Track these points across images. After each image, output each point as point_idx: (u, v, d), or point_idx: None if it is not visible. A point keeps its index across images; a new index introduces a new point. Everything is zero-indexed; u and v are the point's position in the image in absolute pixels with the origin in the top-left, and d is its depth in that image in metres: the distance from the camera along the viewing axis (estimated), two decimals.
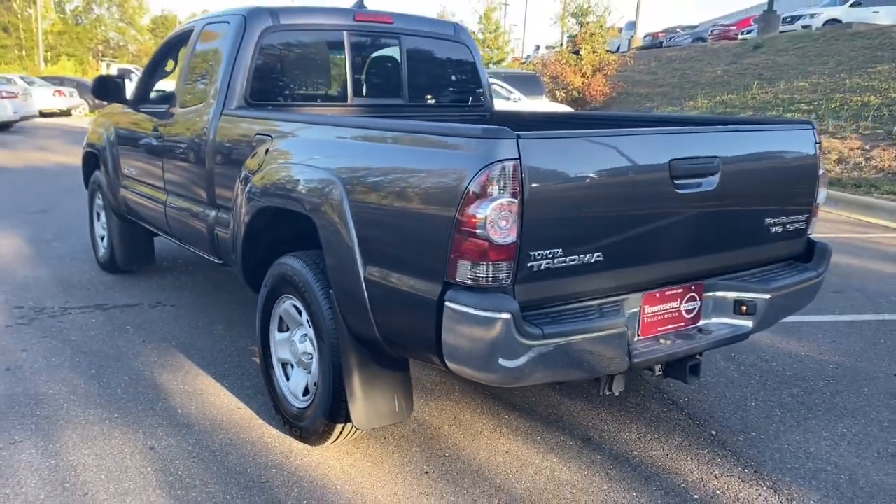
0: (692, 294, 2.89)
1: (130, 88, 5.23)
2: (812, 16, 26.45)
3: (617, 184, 2.54)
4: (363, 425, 2.92)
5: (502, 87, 19.92)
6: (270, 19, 3.94)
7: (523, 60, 44.86)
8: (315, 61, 4.30)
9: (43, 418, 3.41)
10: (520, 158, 2.26)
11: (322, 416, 3.03)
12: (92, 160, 5.87)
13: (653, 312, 2.78)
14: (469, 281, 2.32)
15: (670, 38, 35.08)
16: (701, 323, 2.95)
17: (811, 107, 15.60)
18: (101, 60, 62.96)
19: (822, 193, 3.24)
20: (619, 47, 38.16)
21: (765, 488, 2.99)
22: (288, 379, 3.34)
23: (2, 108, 19.64)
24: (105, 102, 5.43)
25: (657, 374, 2.99)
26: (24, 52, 67.79)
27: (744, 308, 2.94)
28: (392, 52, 4.48)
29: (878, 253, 7.46)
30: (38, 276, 5.77)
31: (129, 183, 5.15)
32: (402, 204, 2.55)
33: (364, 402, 2.87)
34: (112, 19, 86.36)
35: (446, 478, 3.02)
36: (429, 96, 4.67)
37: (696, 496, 2.93)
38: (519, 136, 2.28)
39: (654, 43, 35.65)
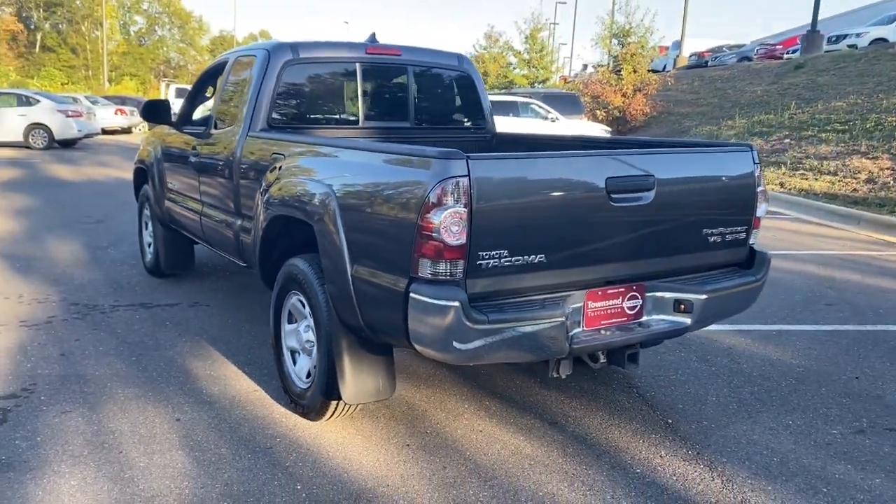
0: (634, 293, 3.34)
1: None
2: (858, 35, 26.30)
3: (557, 197, 3.02)
4: (351, 400, 3.44)
5: (540, 107, 20.42)
6: (290, 53, 4.53)
7: (570, 79, 45.22)
8: (330, 89, 4.87)
9: (89, 394, 4.01)
10: (469, 175, 2.77)
11: (319, 395, 3.56)
12: (141, 175, 6.56)
13: (596, 308, 3.24)
14: (429, 275, 2.82)
15: (716, 58, 35.08)
16: (643, 318, 3.39)
17: (846, 126, 15.70)
18: (162, 80, 65.50)
19: (762, 208, 3.66)
20: (665, 66, 38.33)
21: (702, 466, 3.41)
22: (295, 364, 3.88)
23: (67, 126, 20.91)
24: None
25: (602, 361, 3.45)
26: (90, 73, 70.90)
27: (682, 307, 3.39)
28: (400, 80, 5.03)
29: (882, 270, 7.70)
30: (93, 278, 6.46)
31: (173, 195, 5.80)
32: (379, 212, 3.08)
33: (352, 380, 3.39)
34: (173, 40, 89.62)
35: (424, 449, 3.50)
36: (433, 120, 5.20)
37: (638, 470, 3.36)
38: (469, 157, 2.78)
39: (700, 62, 35.71)
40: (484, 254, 2.85)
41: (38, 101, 21.13)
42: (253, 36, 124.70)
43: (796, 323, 5.68)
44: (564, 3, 59.24)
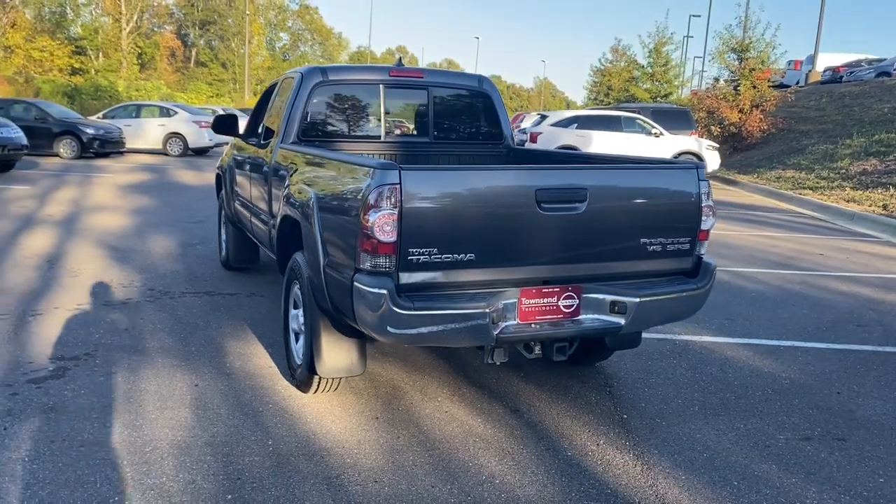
0: (570, 293, 3.72)
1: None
2: None
3: (485, 205, 3.45)
4: (324, 374, 4.00)
5: (645, 122, 20.37)
6: (321, 76, 5.20)
7: (700, 93, 44.17)
8: (356, 107, 5.50)
9: (134, 361, 4.79)
10: (400, 184, 3.28)
11: (306, 370, 4.16)
12: (219, 180, 7.46)
13: (531, 304, 3.65)
14: (369, 267, 3.35)
15: (851, 73, 33.30)
16: (580, 317, 3.76)
17: None
18: None
19: (709, 222, 3.93)
20: (797, 81, 36.74)
21: (630, 455, 3.72)
22: (297, 343, 4.50)
23: (199, 136, 22.93)
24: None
25: (536, 352, 3.83)
26: (236, 86, 75.98)
27: (616, 308, 3.73)
28: (421, 100, 5.59)
29: None
30: (175, 270, 7.41)
31: (237, 198, 6.62)
32: (339, 213, 3.64)
33: (325, 357, 3.96)
34: (314, 56, 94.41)
35: (390, 423, 4.02)
36: (452, 136, 5.72)
37: (569, 454, 3.72)
38: (401, 168, 3.30)
39: (834, 77, 33.99)
40: (414, 250, 3.34)
41: (176, 113, 23.33)
42: (390, 52, 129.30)
43: (811, 340, 5.74)
44: (699, 16, 57.66)
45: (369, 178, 3.36)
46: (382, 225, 3.27)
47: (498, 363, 3.80)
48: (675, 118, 22.09)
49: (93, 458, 3.49)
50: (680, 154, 19.78)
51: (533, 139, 20.66)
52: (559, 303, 3.70)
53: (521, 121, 29.54)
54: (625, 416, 4.20)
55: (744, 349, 5.44)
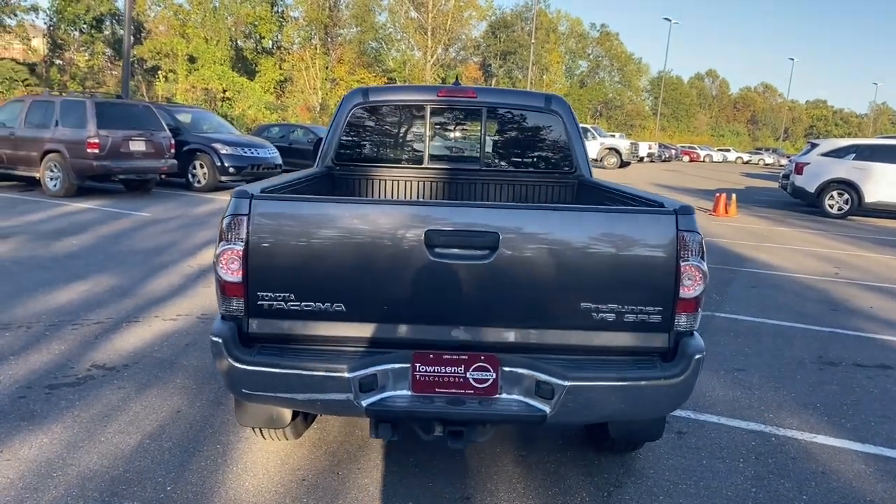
0: (482, 364, 2.94)
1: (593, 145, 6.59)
2: None
3: (359, 246, 2.86)
4: (242, 423, 3.63)
5: None
6: (361, 97, 4.88)
7: None
8: (397, 130, 5.06)
9: (160, 375, 4.86)
10: (249, 215, 2.84)
11: None
12: None
13: (428, 372, 2.95)
14: (223, 311, 2.96)
15: None
16: (499, 395, 2.96)
17: None
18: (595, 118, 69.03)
19: (695, 288, 2.88)
20: None
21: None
22: None
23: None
24: None
25: (437, 432, 3.07)
26: None
27: (541, 390, 2.88)
28: (472, 122, 4.98)
29: None
30: None
31: None
32: None
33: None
34: (612, 82, 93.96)
35: (311, 489, 3.55)
36: (508, 163, 5.01)
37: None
38: (252, 197, 2.86)
39: None
40: (265, 294, 2.87)
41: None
42: (699, 76, 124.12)
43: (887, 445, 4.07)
44: None
45: (228, 207, 2.97)
46: (228, 262, 2.86)
47: (385, 440, 3.14)
48: None
49: None
50: None
51: (798, 170, 18.21)
52: (468, 375, 2.96)
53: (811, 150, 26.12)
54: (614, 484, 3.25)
55: (862, 461, 4.01)
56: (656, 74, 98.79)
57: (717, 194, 17.59)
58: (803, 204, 19.07)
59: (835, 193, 17.72)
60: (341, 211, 2.88)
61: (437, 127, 5.03)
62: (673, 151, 61.30)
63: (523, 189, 4.98)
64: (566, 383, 2.83)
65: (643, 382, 2.88)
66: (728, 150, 77.54)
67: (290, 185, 3.79)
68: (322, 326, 2.92)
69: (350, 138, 4.95)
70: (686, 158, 64.22)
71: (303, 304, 2.88)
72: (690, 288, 2.88)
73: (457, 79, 5.09)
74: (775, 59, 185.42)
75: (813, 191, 17.88)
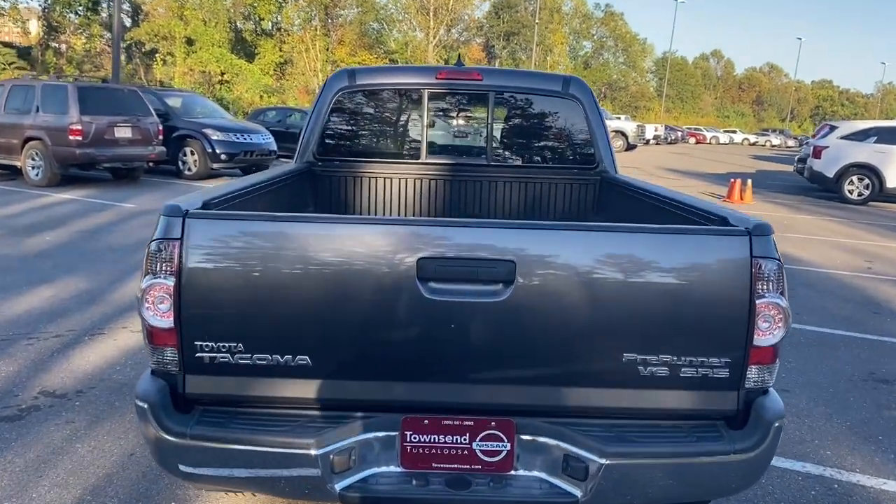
0: (493, 431, 2.25)
1: None
2: None
3: (328, 279, 2.16)
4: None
5: None
6: (346, 79, 4.15)
7: None
8: (390, 119, 4.35)
9: (116, 404, 4.19)
10: (182, 239, 2.14)
11: None
12: None
13: (422, 442, 2.26)
14: (153, 364, 2.27)
15: None
16: (515, 473, 2.27)
17: None
18: None
19: (774, 333, 2.17)
20: None
21: None
22: None
23: None
24: None
25: None
26: None
27: (570, 468, 2.19)
28: (477, 109, 4.26)
29: None
30: None
31: None
32: None
33: None
34: (616, 63, 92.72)
35: None
36: (519, 157, 4.30)
37: None
38: (187, 214, 2.15)
39: None
40: (206, 344, 2.18)
41: None
42: (704, 57, 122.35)
43: None
44: None
45: (155, 229, 2.26)
46: (155, 301, 2.16)
47: None
48: None
49: None
50: None
51: (816, 154, 17.42)
52: (475, 445, 2.27)
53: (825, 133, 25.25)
54: None
55: None
56: (661, 55, 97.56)
57: (732, 180, 16.84)
58: (820, 189, 18.30)
59: (855, 178, 16.94)
60: (306, 232, 2.17)
61: (437, 115, 4.31)
62: (679, 134, 60.38)
63: (537, 188, 4.27)
64: (603, 460, 2.13)
65: (705, 459, 2.18)
66: (734, 132, 76.42)
67: (256, 189, 3.08)
68: (282, 385, 2.23)
69: (334, 129, 4.23)
70: (692, 141, 63.21)
71: (256, 356, 2.18)
72: (767, 332, 2.17)
73: (459, 58, 4.36)
74: (781, 39, 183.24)
75: (832, 176, 17.10)
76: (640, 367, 2.19)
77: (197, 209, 2.22)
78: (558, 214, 4.25)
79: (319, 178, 4.24)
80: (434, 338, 2.16)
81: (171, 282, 2.14)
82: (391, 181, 4.30)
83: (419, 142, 4.28)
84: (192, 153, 15.23)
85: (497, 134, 4.29)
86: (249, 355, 2.18)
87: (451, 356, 2.19)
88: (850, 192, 17.00)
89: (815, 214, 14.85)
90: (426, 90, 4.18)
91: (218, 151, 15.08)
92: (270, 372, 2.19)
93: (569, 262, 2.14)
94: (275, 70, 52.40)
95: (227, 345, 2.17)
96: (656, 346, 2.17)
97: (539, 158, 4.36)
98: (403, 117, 4.37)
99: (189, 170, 15.33)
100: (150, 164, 14.68)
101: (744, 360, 2.19)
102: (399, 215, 4.30)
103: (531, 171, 4.30)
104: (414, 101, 4.27)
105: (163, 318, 2.16)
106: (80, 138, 12.68)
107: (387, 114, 4.37)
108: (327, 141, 4.21)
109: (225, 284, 2.15)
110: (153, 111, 14.26)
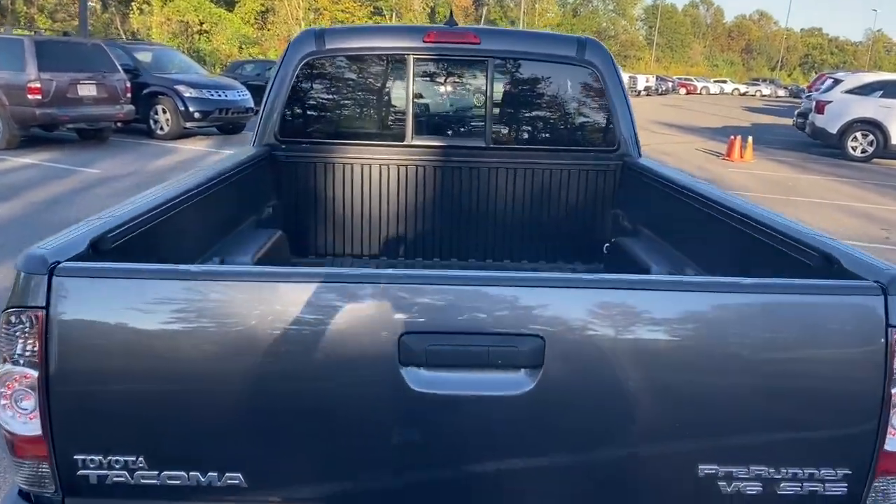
0: None
1: None
2: None
3: (271, 364, 1.47)
4: None
5: None
6: (314, 43, 3.40)
7: None
8: (367, 91, 3.60)
9: None
10: (49, 307, 1.44)
11: None
12: None
13: None
14: (22, 484, 1.58)
15: None
16: None
17: None
18: None
19: None
20: None
21: None
22: None
23: None
24: None
25: None
26: None
27: None
28: (475, 79, 3.53)
29: None
30: None
31: None
32: None
33: None
34: (605, 11, 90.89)
35: None
36: (525, 138, 3.58)
37: None
38: (55, 268, 1.45)
39: None
40: (92, 458, 1.50)
41: None
42: (693, 4, 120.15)
43: None
44: None
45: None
46: (12, 399, 1.47)
47: None
48: None
49: None
50: None
51: (819, 109, 16.69)
52: None
53: (823, 84, 24.42)
54: None
55: None
56: (651, 2, 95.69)
57: (732, 137, 16.12)
58: (821, 145, 17.62)
59: (858, 135, 16.24)
60: (232, 293, 1.48)
61: (425, 87, 3.56)
62: (670, 84, 59.38)
63: (545, 177, 3.56)
64: None
65: None
66: (724, 82, 75.30)
67: (194, 195, 2.36)
68: None
69: (300, 104, 3.49)
70: (683, 91, 62.18)
71: (166, 474, 1.51)
72: None
73: (451, 15, 3.60)
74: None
75: (835, 132, 16.39)
76: (722, 484, 1.53)
77: (74, 257, 1.51)
78: (570, 209, 3.56)
79: (283, 165, 3.51)
80: (424, 450, 1.49)
81: (34, 371, 1.44)
82: (370, 168, 3.58)
83: (403, 120, 3.54)
84: (164, 111, 14.30)
85: (497, 110, 3.56)
86: (156, 472, 1.50)
87: (449, 477, 1.52)
88: (854, 148, 16.33)
89: (820, 174, 14.20)
90: (411, 56, 3.44)
91: (191, 109, 14.16)
92: (187, 496, 1.51)
93: (623, 335, 1.46)
94: (255, 19, 50.58)
95: (122, 459, 1.49)
96: (746, 453, 1.51)
97: (547, 140, 3.64)
98: (384, 90, 3.63)
99: (161, 129, 14.42)
100: (119, 123, 13.77)
101: (868, 472, 1.53)
102: (380, 210, 3.61)
103: (538, 155, 3.58)
104: (396, 70, 3.53)
105: (26, 421, 1.48)
106: (39, 97, 11.75)
107: (364, 86, 3.62)
108: (292, 119, 3.47)
109: (116, 372, 1.46)
110: (120, 67, 13.30)
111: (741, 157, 15.45)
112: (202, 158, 12.68)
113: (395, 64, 3.51)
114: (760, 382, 1.50)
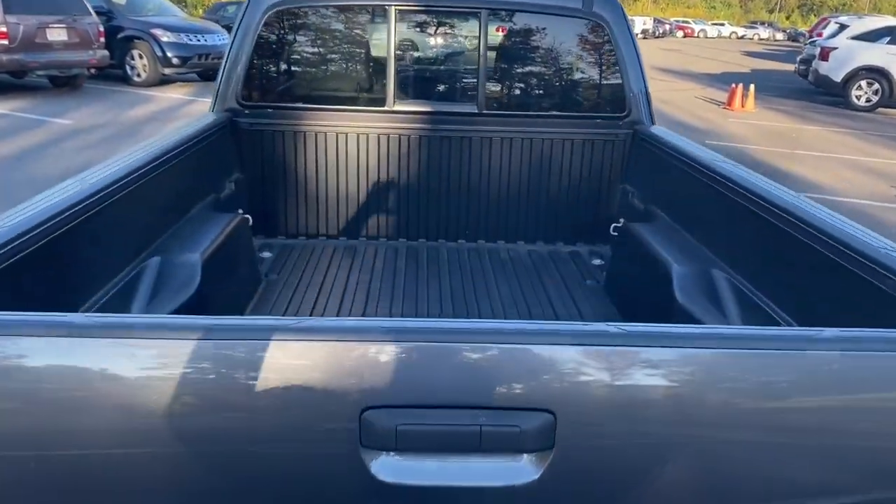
0: None
1: None
2: None
3: (196, 447, 1.09)
4: None
5: None
6: None
7: None
8: (344, 51, 3.15)
9: None
10: None
11: None
12: None
13: None
14: None
15: None
16: None
17: None
18: None
19: None
20: None
21: None
22: None
23: None
24: None
25: None
26: None
27: None
28: (466, 35, 3.08)
29: None
30: None
31: None
32: None
33: None
34: None
35: None
36: (523, 102, 3.15)
37: None
38: None
39: None
40: None
41: None
42: None
43: None
44: None
45: None
46: None
47: None
48: None
49: None
50: None
51: (824, 56, 16.13)
52: None
53: (825, 28, 23.61)
54: None
55: None
56: None
57: (733, 85, 15.59)
58: (823, 93, 17.12)
59: (863, 83, 15.72)
60: (128, 351, 1.09)
61: (409, 44, 3.11)
62: (667, 27, 58.18)
63: (545, 147, 3.14)
64: None
65: None
66: (722, 25, 73.81)
67: (136, 178, 1.96)
68: None
69: (265, 63, 3.04)
70: (680, 34, 60.93)
71: None
72: None
73: None
74: None
75: (839, 80, 15.86)
76: None
77: None
78: (572, 184, 3.16)
79: (246, 134, 3.07)
80: None
81: None
82: (346, 137, 3.14)
83: (384, 83, 3.09)
84: (141, 57, 13.67)
85: (491, 71, 3.12)
86: None
87: None
88: (858, 97, 15.84)
89: (823, 125, 13.75)
90: (393, 7, 2.98)
91: (169, 55, 13.53)
92: None
93: (663, 408, 1.09)
94: None
95: None
96: None
97: (548, 105, 3.21)
98: (362, 47, 3.17)
99: (138, 76, 13.80)
100: (94, 70, 13.15)
101: None
102: (358, 184, 3.19)
103: (537, 122, 3.15)
104: (376, 24, 3.07)
105: None
106: (5, 42, 11.13)
107: (339, 42, 3.16)
108: (256, 81, 3.02)
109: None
110: (92, 9, 12.62)
111: (742, 106, 14.98)
112: (182, 107, 12.14)
113: (375, 16, 3.05)
114: (818, 462, 1.13)
